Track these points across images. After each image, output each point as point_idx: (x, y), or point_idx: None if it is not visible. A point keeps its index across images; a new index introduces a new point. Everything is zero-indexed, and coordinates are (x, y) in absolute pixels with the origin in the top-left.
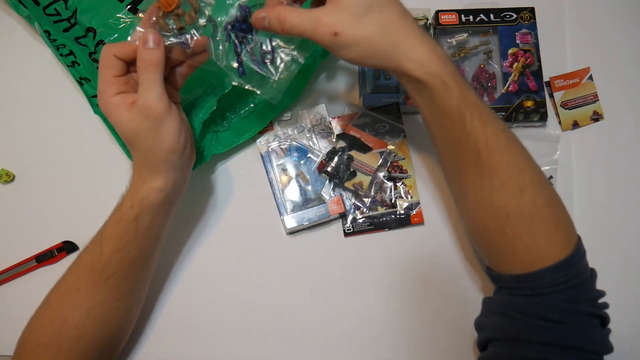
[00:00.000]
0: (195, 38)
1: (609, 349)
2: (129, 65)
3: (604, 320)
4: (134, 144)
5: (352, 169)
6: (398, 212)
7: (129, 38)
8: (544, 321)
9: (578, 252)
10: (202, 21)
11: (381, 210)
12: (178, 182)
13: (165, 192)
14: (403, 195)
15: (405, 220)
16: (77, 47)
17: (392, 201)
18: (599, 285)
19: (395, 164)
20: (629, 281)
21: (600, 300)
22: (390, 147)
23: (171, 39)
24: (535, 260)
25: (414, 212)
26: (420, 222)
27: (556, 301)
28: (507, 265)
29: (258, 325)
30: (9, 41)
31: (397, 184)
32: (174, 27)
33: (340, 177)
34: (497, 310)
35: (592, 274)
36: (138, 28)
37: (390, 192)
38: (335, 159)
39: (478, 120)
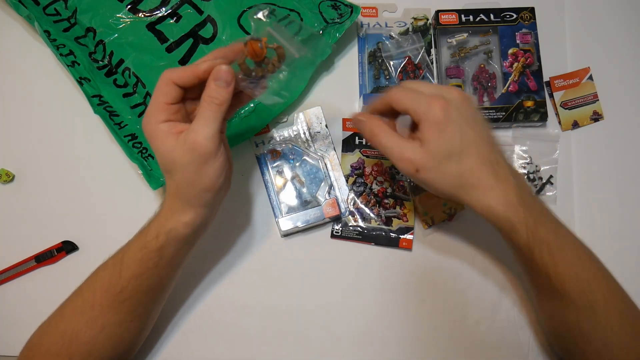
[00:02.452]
0: (265, 81)
1: None
2: (185, 91)
3: None
4: (171, 174)
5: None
6: (390, 231)
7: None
8: None
9: None
10: (283, 68)
11: (374, 224)
12: (208, 218)
13: (193, 227)
14: (399, 217)
15: (394, 241)
16: (77, 47)
17: (387, 219)
18: None
19: (401, 183)
20: (629, 281)
21: None
22: None
23: (246, 83)
24: None
25: (405, 237)
26: (408, 248)
27: None
28: None
29: (252, 327)
30: (9, 41)
31: (397, 204)
32: (255, 74)
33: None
34: None
35: None
36: (220, 65)
37: (388, 209)
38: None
39: (547, 254)
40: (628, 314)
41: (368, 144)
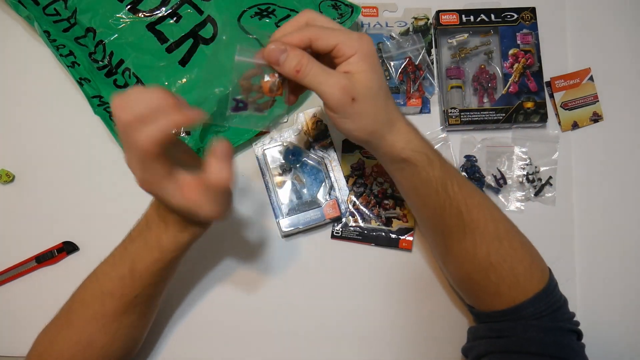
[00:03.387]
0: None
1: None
2: None
3: (579, 336)
4: (182, 216)
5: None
6: (390, 232)
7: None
8: (532, 337)
9: (552, 282)
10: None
11: (374, 224)
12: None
13: (192, 241)
14: (399, 218)
15: (394, 242)
16: (77, 47)
17: (387, 219)
18: (601, 285)
19: None
20: (628, 281)
21: (575, 319)
22: None
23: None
24: (518, 295)
25: (405, 237)
26: (408, 249)
27: (544, 323)
28: (493, 304)
29: (252, 326)
30: (8, 41)
31: (397, 205)
32: (258, 105)
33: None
34: (485, 334)
35: (565, 299)
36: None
37: (388, 210)
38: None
39: (457, 186)
40: (524, 241)
41: None
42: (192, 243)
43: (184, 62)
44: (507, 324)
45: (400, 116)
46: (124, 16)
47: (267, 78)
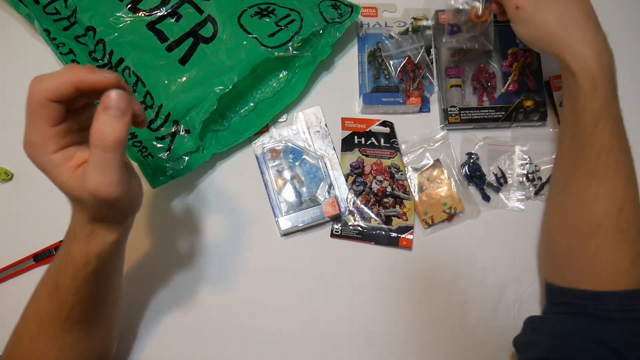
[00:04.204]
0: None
1: None
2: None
3: None
4: (80, 205)
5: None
6: (389, 230)
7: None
8: (606, 349)
9: None
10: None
11: (374, 223)
12: (130, 228)
13: (120, 242)
14: (399, 216)
15: (393, 240)
16: (77, 45)
17: (387, 218)
18: None
19: (400, 182)
20: None
21: None
22: (396, 161)
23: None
24: (608, 281)
25: (404, 236)
26: (408, 247)
27: (622, 331)
28: (578, 280)
29: (252, 326)
30: (8, 40)
31: (397, 203)
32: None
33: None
34: (552, 330)
35: None
36: (109, 90)
37: (388, 208)
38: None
39: (609, 131)
40: None
41: (367, 143)
42: (103, 256)
43: (183, 61)
44: (583, 322)
45: (588, 31)
46: (124, 15)
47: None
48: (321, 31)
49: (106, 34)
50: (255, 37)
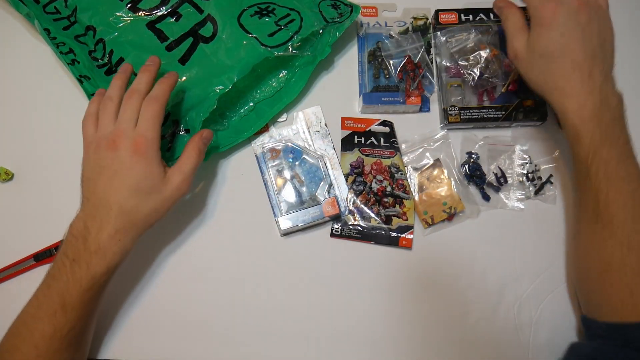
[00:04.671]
0: None
1: None
2: None
3: None
4: (148, 195)
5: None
6: (389, 230)
7: None
8: None
9: None
10: None
11: (374, 222)
12: None
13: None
14: (399, 216)
15: (393, 240)
16: (77, 45)
17: (387, 217)
18: None
19: (400, 182)
20: None
21: None
22: (396, 161)
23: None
24: (630, 313)
25: (404, 236)
26: (408, 247)
27: None
28: (602, 314)
29: (252, 325)
30: (8, 39)
31: (397, 203)
32: None
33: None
34: (585, 352)
35: None
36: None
37: (388, 208)
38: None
39: (603, 175)
40: None
41: (367, 143)
42: (118, 265)
43: (183, 60)
44: (611, 349)
45: (575, 84)
46: (124, 15)
47: None
48: (321, 31)
49: (106, 34)
50: (255, 37)
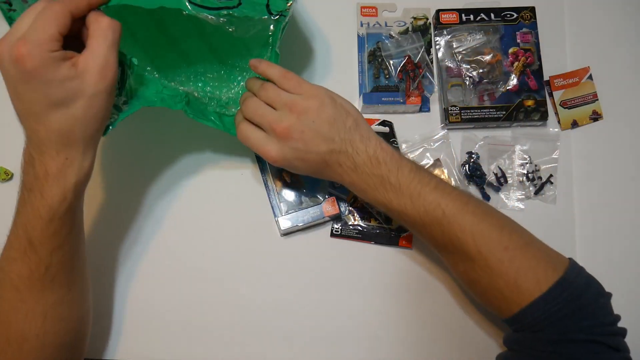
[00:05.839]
0: None
1: None
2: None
3: (613, 345)
4: (67, 107)
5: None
6: (389, 230)
7: None
8: (538, 352)
9: (560, 285)
10: None
11: (374, 222)
12: (95, 155)
13: (91, 169)
14: None
15: (393, 240)
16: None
17: (387, 217)
18: (602, 283)
19: None
20: (630, 279)
21: (615, 324)
22: None
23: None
24: (519, 301)
25: (404, 235)
26: (408, 247)
27: (548, 335)
28: (501, 310)
29: (252, 325)
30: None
31: None
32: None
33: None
34: (506, 345)
35: (598, 298)
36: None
37: None
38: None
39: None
40: (529, 240)
41: None
42: (79, 187)
43: None
44: (520, 336)
45: (344, 160)
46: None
47: None
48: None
49: None
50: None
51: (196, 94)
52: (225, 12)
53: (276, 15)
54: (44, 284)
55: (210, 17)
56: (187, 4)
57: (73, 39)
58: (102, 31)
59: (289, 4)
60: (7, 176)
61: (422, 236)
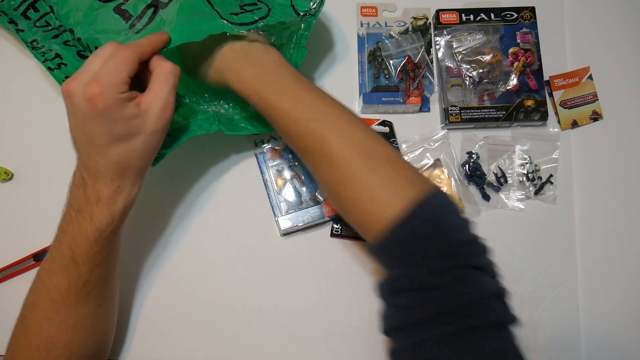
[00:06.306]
0: None
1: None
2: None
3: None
4: (128, 142)
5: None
6: None
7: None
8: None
9: (415, 211)
10: None
11: None
12: (142, 183)
13: (138, 195)
14: None
15: None
16: (65, 48)
17: None
18: (603, 283)
19: None
20: (630, 279)
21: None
22: None
23: None
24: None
25: None
26: None
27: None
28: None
29: (252, 325)
30: (8, 40)
31: None
32: None
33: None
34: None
35: (454, 218)
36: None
37: None
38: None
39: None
40: (389, 155)
41: None
42: (126, 212)
43: (139, 31)
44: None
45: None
46: (94, 5)
47: None
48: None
49: (83, 32)
50: (216, 10)
51: (222, 110)
52: (261, 23)
53: (303, 14)
54: (79, 298)
55: (251, 31)
56: (230, 26)
57: (134, 77)
58: (164, 76)
59: (313, 5)
60: (7, 176)
61: (286, 136)
